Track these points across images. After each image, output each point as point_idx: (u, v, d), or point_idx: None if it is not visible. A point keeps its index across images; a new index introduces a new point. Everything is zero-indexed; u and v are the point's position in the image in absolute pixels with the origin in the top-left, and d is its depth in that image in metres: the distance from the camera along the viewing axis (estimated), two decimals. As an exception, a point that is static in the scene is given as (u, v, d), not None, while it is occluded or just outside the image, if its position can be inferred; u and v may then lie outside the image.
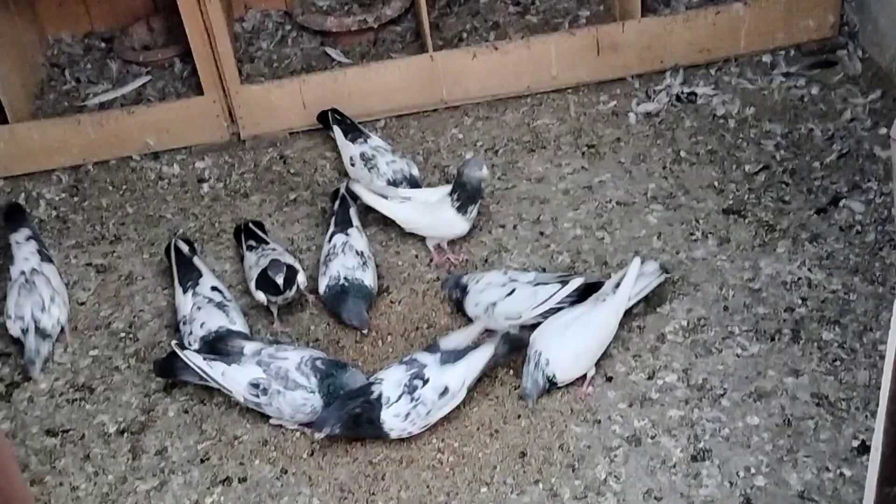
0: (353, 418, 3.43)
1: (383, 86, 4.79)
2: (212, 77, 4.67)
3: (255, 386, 3.54)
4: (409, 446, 3.53)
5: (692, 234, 4.15)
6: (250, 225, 4.20)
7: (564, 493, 3.37)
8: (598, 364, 3.68)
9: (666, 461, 3.41)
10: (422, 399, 3.45)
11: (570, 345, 3.57)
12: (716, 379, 3.63)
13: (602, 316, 3.64)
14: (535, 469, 3.44)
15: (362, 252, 4.04)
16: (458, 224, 4.06)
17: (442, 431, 3.56)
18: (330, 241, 4.08)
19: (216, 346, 3.68)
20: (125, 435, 3.72)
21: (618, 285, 3.69)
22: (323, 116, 4.67)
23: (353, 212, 4.20)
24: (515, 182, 4.50)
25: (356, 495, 3.43)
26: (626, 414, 3.56)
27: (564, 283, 3.78)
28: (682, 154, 4.52)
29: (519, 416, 3.59)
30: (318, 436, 3.44)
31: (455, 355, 3.53)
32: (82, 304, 4.17)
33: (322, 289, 3.97)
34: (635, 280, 3.69)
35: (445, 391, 3.49)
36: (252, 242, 4.11)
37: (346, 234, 4.08)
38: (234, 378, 3.56)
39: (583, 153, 4.60)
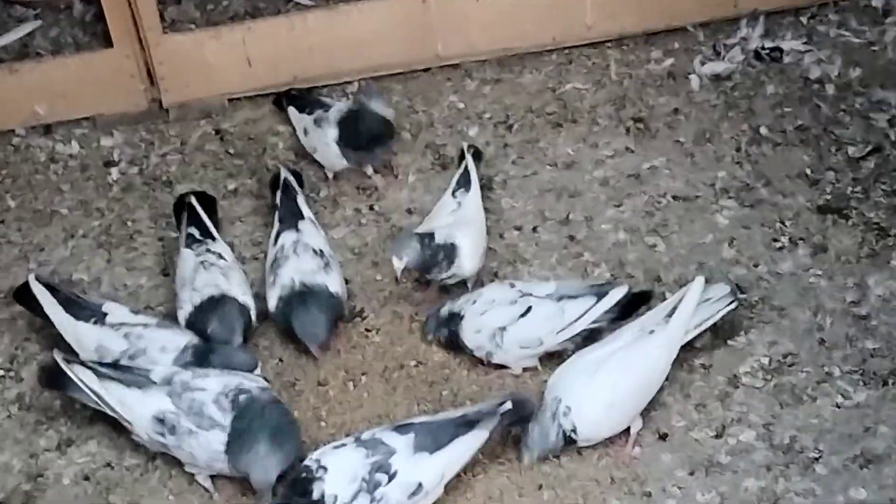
0: None
1: (356, 37, 4.79)
2: (124, 23, 4.65)
3: (161, 421, 3.53)
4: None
5: (776, 240, 4.16)
6: (193, 201, 4.21)
7: None
8: (645, 415, 3.67)
9: (740, 550, 3.43)
10: (384, 501, 3.40)
11: (601, 390, 3.55)
12: (808, 437, 3.63)
13: (648, 353, 3.63)
14: (563, 560, 3.47)
15: (321, 251, 4.05)
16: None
17: (436, 507, 3.57)
18: (276, 242, 4.09)
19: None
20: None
21: (671, 313, 3.68)
22: (280, 101, 4.71)
23: (301, 200, 4.22)
24: (536, 168, 4.49)
25: None
26: (685, 484, 3.56)
27: (601, 295, 3.78)
28: (763, 132, 4.52)
29: (540, 487, 3.59)
30: None
31: (435, 439, 3.47)
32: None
33: (272, 304, 3.98)
34: (696, 306, 3.69)
35: (418, 489, 3.45)
36: (195, 232, 4.13)
37: (297, 231, 4.10)
38: (135, 408, 3.55)
39: (627, 129, 4.60)
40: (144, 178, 4.65)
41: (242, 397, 3.54)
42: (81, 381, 3.57)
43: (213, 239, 4.12)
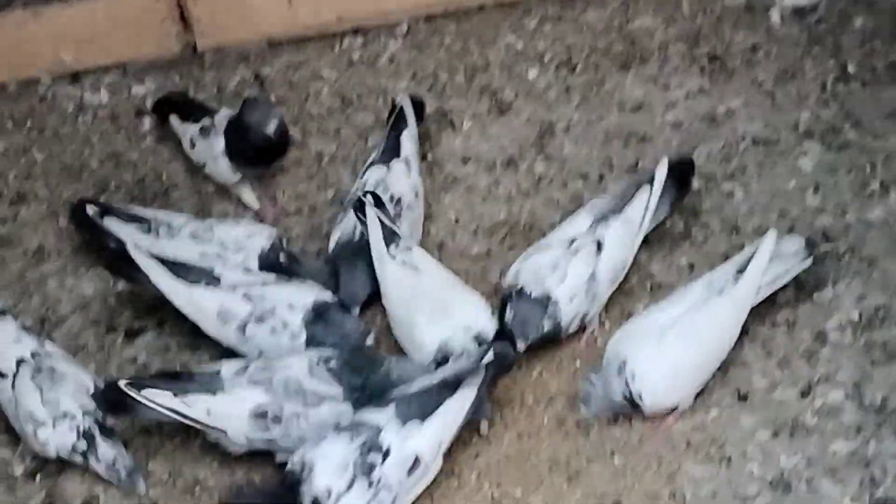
0: None
1: (407, -28, 4.82)
2: (155, -39, 4.72)
3: (262, 416, 3.59)
4: (446, 492, 3.60)
5: (865, 185, 4.16)
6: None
7: (678, 565, 3.44)
8: (725, 371, 3.71)
9: (829, 518, 3.45)
10: (384, 482, 3.46)
11: (668, 357, 3.59)
12: (903, 397, 3.66)
13: (717, 317, 3.65)
14: (636, 530, 3.51)
15: (399, 199, 4.10)
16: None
17: (496, 473, 3.62)
18: (363, 175, 4.16)
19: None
20: (37, 478, 3.78)
21: (742, 268, 3.70)
22: (161, 108, 4.63)
23: (407, 136, 4.26)
24: (602, 112, 4.52)
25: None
26: (768, 448, 3.59)
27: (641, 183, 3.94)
28: (851, 69, 4.52)
29: (612, 453, 3.63)
30: None
31: (420, 406, 3.52)
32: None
33: (331, 244, 4.06)
34: (768, 263, 3.72)
35: (416, 463, 3.48)
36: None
37: (387, 168, 4.16)
38: (228, 413, 3.60)
39: (702, 69, 4.61)
40: (179, 127, 4.71)
41: (332, 362, 3.64)
42: (159, 405, 3.59)
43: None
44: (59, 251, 4.36)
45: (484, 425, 3.69)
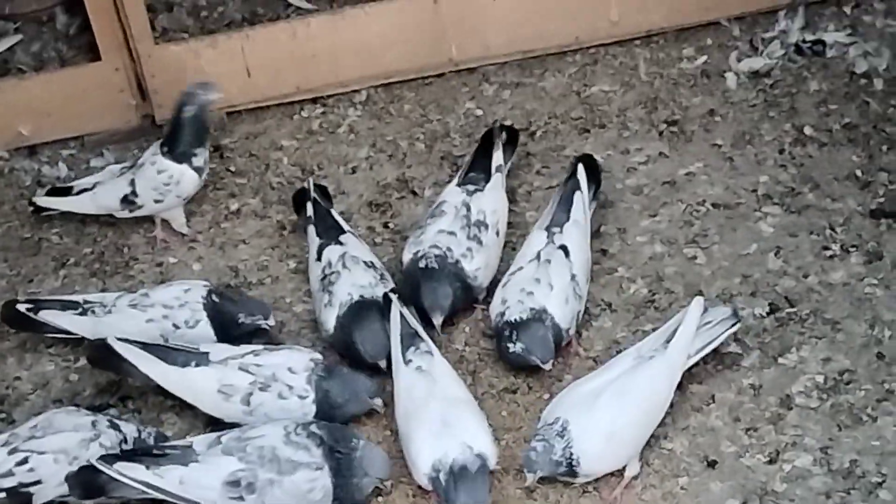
0: None
1: (363, 42, 4.83)
2: (112, 34, 4.70)
3: (235, 484, 3.56)
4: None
5: (826, 248, 4.18)
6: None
7: None
8: (693, 438, 3.70)
9: (800, 586, 3.45)
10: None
11: (601, 422, 3.58)
12: (869, 461, 3.63)
13: (648, 380, 3.66)
14: None
15: (373, 263, 4.12)
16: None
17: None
18: (319, 257, 4.14)
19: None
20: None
21: (671, 338, 3.71)
22: None
23: (335, 213, 4.30)
24: (562, 178, 4.48)
25: None
26: (738, 515, 3.58)
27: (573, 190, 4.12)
28: (808, 131, 4.54)
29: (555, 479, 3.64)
30: None
31: None
32: None
33: (330, 325, 4.01)
34: (696, 329, 3.73)
35: None
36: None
37: (340, 244, 4.15)
38: (200, 482, 3.56)
39: (660, 133, 4.63)
40: (139, 200, 4.68)
41: (312, 427, 3.65)
42: (130, 478, 3.55)
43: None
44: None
45: None
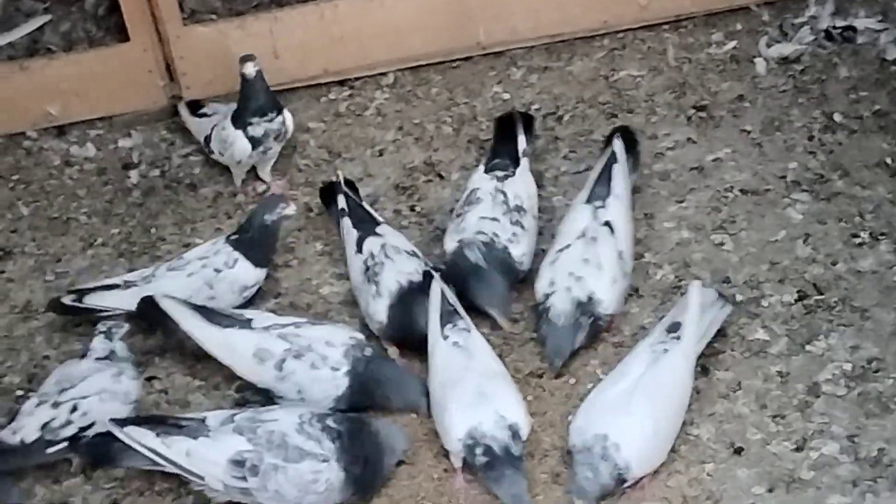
0: None
1: (391, 25, 4.83)
2: (141, 15, 4.71)
3: (240, 464, 3.56)
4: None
5: (855, 235, 4.16)
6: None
7: None
8: (720, 425, 3.70)
9: (826, 575, 3.44)
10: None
11: (642, 425, 3.56)
12: (897, 449, 3.64)
13: (673, 372, 3.65)
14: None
15: (414, 251, 4.11)
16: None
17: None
18: (360, 249, 4.13)
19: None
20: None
21: (671, 329, 3.72)
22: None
23: (367, 205, 4.30)
24: (590, 162, 4.49)
25: None
26: (765, 502, 3.56)
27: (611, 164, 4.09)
28: (837, 118, 4.53)
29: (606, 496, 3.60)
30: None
31: None
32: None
33: (381, 316, 3.99)
34: (701, 312, 3.73)
35: None
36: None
37: (378, 235, 4.14)
38: (206, 457, 3.57)
39: (688, 119, 4.61)
40: (166, 180, 4.69)
41: (329, 420, 3.63)
42: (139, 442, 3.57)
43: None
44: (47, 307, 4.31)
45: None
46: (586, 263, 3.91)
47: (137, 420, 3.70)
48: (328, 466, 3.55)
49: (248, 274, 4.15)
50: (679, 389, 3.67)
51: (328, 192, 4.38)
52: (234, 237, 4.18)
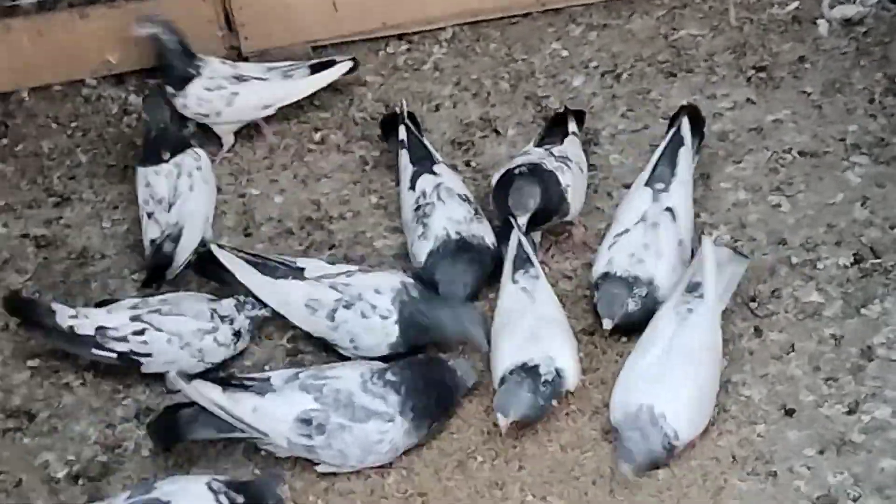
0: None
1: (451, -22, 4.82)
2: (202, -36, 4.73)
3: (307, 422, 3.59)
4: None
5: (915, 199, 4.13)
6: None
7: (724, 581, 3.41)
8: (772, 386, 3.70)
9: (876, 536, 3.42)
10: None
11: (685, 388, 3.56)
12: (952, 414, 3.62)
13: (703, 333, 3.64)
14: (681, 545, 3.49)
15: (467, 196, 4.11)
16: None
17: (540, 486, 3.60)
18: (413, 186, 4.14)
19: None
20: (80, 481, 3.78)
21: (690, 289, 3.70)
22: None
23: (427, 142, 4.29)
24: (647, 121, 4.50)
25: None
26: (815, 464, 3.56)
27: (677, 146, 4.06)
28: (900, 81, 4.49)
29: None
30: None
31: None
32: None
33: (422, 258, 4.02)
34: (716, 267, 3.69)
35: None
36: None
37: (434, 174, 4.14)
38: (273, 414, 3.59)
39: (748, 79, 4.58)
40: (223, 129, 4.71)
41: (389, 374, 3.66)
42: (206, 396, 3.57)
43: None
44: (103, 253, 4.36)
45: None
46: (646, 249, 3.87)
47: (203, 376, 3.72)
48: (393, 426, 3.59)
49: None
50: (713, 348, 3.66)
51: (389, 124, 4.38)
52: None
